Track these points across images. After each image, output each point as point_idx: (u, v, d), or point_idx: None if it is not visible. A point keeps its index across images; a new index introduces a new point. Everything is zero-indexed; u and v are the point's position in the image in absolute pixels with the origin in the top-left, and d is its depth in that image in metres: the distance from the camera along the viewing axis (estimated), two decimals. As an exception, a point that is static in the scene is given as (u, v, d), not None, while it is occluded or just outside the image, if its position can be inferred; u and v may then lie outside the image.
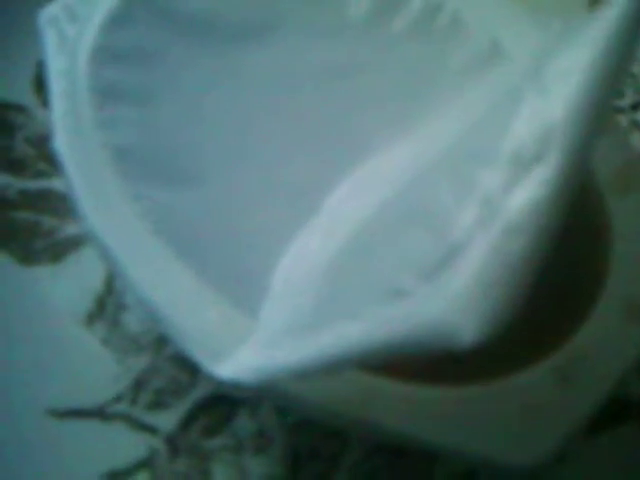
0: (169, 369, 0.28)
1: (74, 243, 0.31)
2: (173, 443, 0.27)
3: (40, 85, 0.32)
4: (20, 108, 0.33)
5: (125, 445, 0.27)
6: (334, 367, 0.18)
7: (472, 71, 0.26)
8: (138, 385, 0.28)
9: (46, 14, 0.27)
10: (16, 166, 0.32)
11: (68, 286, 0.30)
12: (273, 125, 0.26)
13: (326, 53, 0.27)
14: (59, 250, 0.30)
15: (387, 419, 0.22)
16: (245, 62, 0.26)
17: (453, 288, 0.16)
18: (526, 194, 0.16)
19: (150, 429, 0.28)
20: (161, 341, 0.28)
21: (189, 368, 0.27)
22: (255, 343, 0.21)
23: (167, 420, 0.28)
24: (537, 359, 0.23)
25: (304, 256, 0.23)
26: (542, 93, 0.17)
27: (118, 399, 0.28)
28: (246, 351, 0.21)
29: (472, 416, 0.22)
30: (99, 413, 0.28)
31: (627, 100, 0.34)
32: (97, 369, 0.28)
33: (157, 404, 0.28)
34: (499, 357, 0.21)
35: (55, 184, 0.31)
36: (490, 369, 0.22)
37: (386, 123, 0.26)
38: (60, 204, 0.31)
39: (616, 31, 0.16)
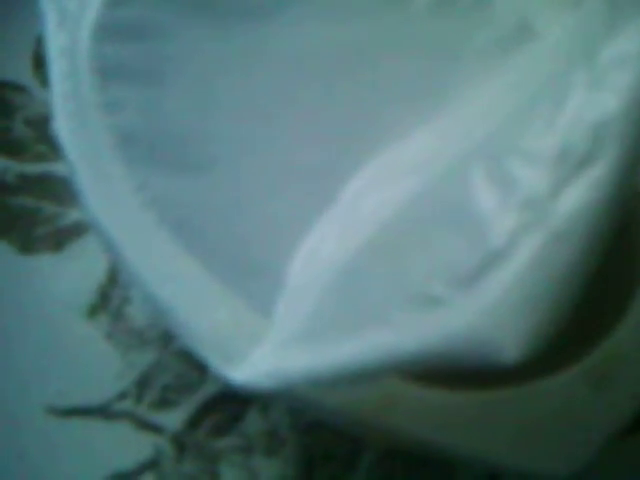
0: (176, 365, 0.28)
1: (76, 231, 0.30)
2: (180, 443, 0.27)
3: (40, 63, 0.32)
4: (19, 87, 0.32)
5: (129, 445, 0.27)
6: (362, 376, 0.17)
7: (499, 51, 0.24)
8: (143, 382, 0.27)
9: (46, -11, 0.26)
10: (15, 148, 0.31)
11: (70, 276, 0.29)
12: (287, 110, 0.25)
13: (343, 32, 0.25)
14: (60, 238, 0.30)
15: (408, 426, 0.21)
16: (257, 43, 0.25)
17: (493, 299, 0.15)
18: (576, 197, 0.15)
19: (156, 428, 0.27)
20: (167, 335, 0.27)
21: (197, 364, 0.26)
22: (270, 345, 0.20)
23: (173, 419, 0.27)
24: (568, 362, 0.22)
25: (321, 252, 0.22)
26: (594, 83, 0.16)
27: (122, 396, 0.27)
28: (261, 354, 0.20)
29: (499, 422, 0.21)
30: (102, 411, 0.27)
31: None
32: (100, 365, 0.28)
33: (163, 402, 0.27)
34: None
35: (56, 168, 0.30)
36: (518, 372, 0.21)
37: (407, 106, 0.24)
38: (61, 189, 0.30)
39: None
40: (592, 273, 0.15)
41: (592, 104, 0.16)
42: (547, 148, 0.16)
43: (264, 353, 0.20)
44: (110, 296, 0.29)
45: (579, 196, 0.15)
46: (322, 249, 0.22)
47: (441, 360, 0.15)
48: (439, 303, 0.16)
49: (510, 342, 0.14)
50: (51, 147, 0.30)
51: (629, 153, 0.15)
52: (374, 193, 0.22)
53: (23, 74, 0.32)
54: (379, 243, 0.20)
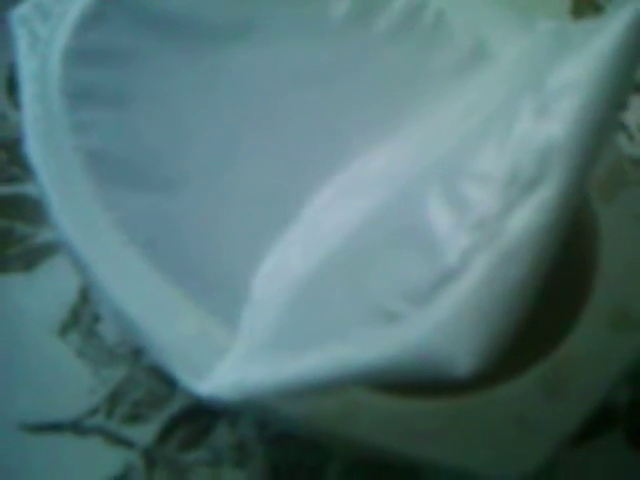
0: (146, 381, 0.28)
1: (48, 250, 0.30)
2: (150, 457, 0.27)
3: (12, 87, 0.32)
4: (-8, 111, 0.32)
5: (101, 460, 0.27)
6: (321, 388, 0.17)
7: (456, 73, 0.25)
8: (114, 397, 0.28)
9: (17, 14, 0.26)
10: (-13, 170, 0.31)
11: (41, 295, 0.29)
12: (255, 128, 0.25)
13: (307, 54, 0.26)
14: (32, 258, 0.30)
15: (371, 434, 0.21)
16: (225, 64, 0.26)
17: (446, 315, 0.15)
18: (524, 218, 0.15)
19: (126, 443, 0.27)
20: (138, 352, 0.28)
21: (166, 380, 0.27)
22: (235, 358, 0.20)
23: (144, 433, 0.27)
24: (524, 369, 0.22)
25: (285, 267, 0.22)
26: (541, 109, 0.17)
27: (93, 412, 0.27)
28: (226, 367, 0.20)
29: (459, 429, 0.22)
30: (73, 427, 0.27)
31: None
32: (71, 381, 0.28)
33: (134, 417, 0.27)
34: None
35: (29, 189, 0.31)
36: (476, 380, 0.22)
37: (368, 126, 0.25)
38: (33, 210, 0.30)
39: (621, 46, 0.15)
40: (540, 288, 0.15)
41: (539, 129, 0.16)
42: (498, 171, 0.17)
43: (229, 366, 0.20)
44: (81, 314, 0.29)
45: (527, 217, 0.15)
46: (285, 264, 0.22)
47: (398, 374, 0.16)
48: (396, 318, 0.17)
49: (462, 356, 0.15)
50: (23, 169, 0.31)
51: (574, 177, 0.15)
52: (335, 210, 0.23)
53: (-3, 98, 0.32)
54: (339, 260, 0.20)
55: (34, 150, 0.24)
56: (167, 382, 0.27)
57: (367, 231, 0.21)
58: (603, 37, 0.16)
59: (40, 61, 0.25)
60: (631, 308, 0.23)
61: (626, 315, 0.23)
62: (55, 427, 0.27)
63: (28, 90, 0.25)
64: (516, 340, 0.21)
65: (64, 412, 0.27)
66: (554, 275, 0.22)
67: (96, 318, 0.29)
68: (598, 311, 0.23)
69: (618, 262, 0.24)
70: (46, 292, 0.29)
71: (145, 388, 0.28)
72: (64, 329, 0.29)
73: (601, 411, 0.23)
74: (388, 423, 0.22)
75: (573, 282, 0.24)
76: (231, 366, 0.20)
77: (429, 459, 0.22)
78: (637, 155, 0.32)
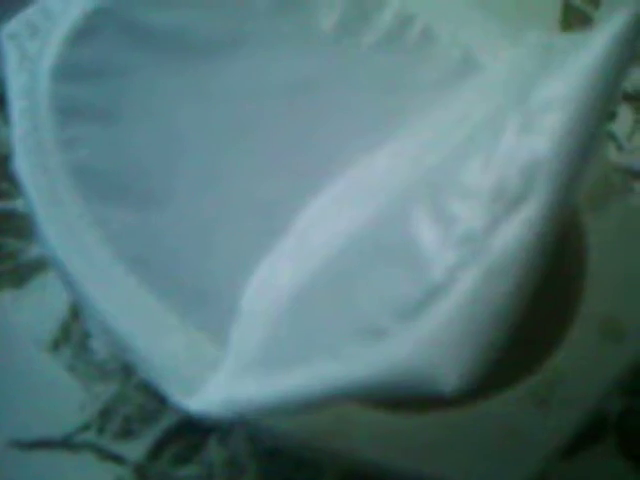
0: (137, 396, 0.28)
1: (38, 266, 0.30)
2: (142, 473, 0.27)
3: (2, 103, 0.32)
4: (-19, 126, 0.32)
5: (92, 476, 0.27)
6: (310, 405, 0.17)
7: (444, 84, 0.25)
8: (105, 413, 0.28)
9: (7, 30, 0.26)
10: (-23, 186, 0.31)
11: (32, 311, 0.29)
12: (244, 142, 0.25)
13: (296, 67, 0.26)
14: (22, 274, 0.30)
15: (361, 448, 0.21)
16: (214, 78, 0.26)
17: (433, 331, 0.15)
18: (510, 234, 0.15)
19: (118, 459, 0.27)
20: (128, 368, 0.28)
21: (158, 395, 0.26)
22: (224, 374, 0.20)
23: (135, 449, 0.27)
24: (515, 382, 0.22)
25: (273, 282, 0.22)
26: (526, 125, 0.17)
27: (85, 428, 0.27)
28: (215, 383, 0.20)
29: (450, 442, 0.22)
30: (65, 443, 0.27)
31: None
32: (63, 397, 0.28)
33: (125, 433, 0.27)
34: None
35: (18, 205, 0.31)
36: (466, 394, 0.22)
37: (356, 137, 0.25)
38: (23, 226, 0.30)
39: (607, 60, 0.15)
40: (528, 301, 0.15)
41: (524, 145, 0.16)
42: (483, 186, 0.17)
43: (218, 382, 0.20)
44: (72, 330, 0.29)
45: (512, 233, 0.15)
46: (274, 279, 0.22)
47: (386, 390, 0.16)
48: (383, 335, 0.16)
49: (448, 372, 0.15)
50: (12, 184, 0.30)
51: (559, 192, 0.15)
52: (324, 224, 0.23)
53: (-15, 114, 0.32)
54: (328, 276, 0.20)
55: (22, 166, 0.24)
56: (158, 398, 0.27)
57: (355, 247, 0.21)
58: (588, 51, 0.16)
59: (29, 77, 0.25)
60: (621, 318, 0.23)
61: (616, 325, 0.23)
62: (46, 443, 0.27)
63: (17, 106, 0.25)
64: (506, 353, 0.21)
65: (55, 428, 0.27)
66: (543, 287, 0.22)
67: (87, 334, 0.29)
68: (588, 322, 0.23)
69: (607, 272, 0.24)
70: (37, 308, 0.29)
71: (136, 404, 0.28)
72: (55, 345, 0.29)
73: (592, 421, 0.23)
74: (379, 438, 0.21)
75: (563, 293, 0.24)
76: (220, 382, 0.20)
77: (420, 473, 0.22)
78: (626, 165, 0.32)
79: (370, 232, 0.20)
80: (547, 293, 0.23)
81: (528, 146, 0.16)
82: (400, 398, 0.17)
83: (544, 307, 0.23)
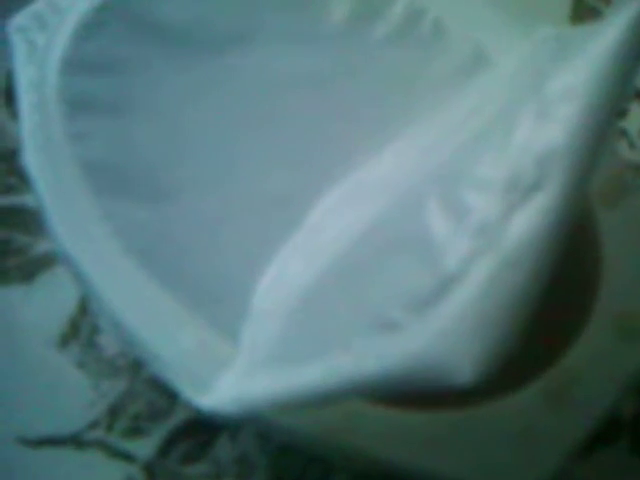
0: (146, 393, 0.28)
1: (47, 261, 0.30)
2: (151, 471, 0.27)
3: (10, 97, 0.32)
4: (-11, 121, 0.32)
5: (101, 474, 0.26)
6: (323, 400, 0.17)
7: (456, 78, 0.25)
8: (114, 410, 0.27)
9: (15, 23, 0.26)
10: (-15, 181, 0.31)
11: (41, 307, 0.29)
12: (254, 136, 0.25)
13: (307, 61, 0.26)
14: (31, 269, 0.30)
15: (374, 446, 0.21)
16: (224, 72, 0.26)
17: (447, 323, 0.15)
18: (524, 224, 0.15)
19: (127, 456, 0.27)
20: (138, 364, 0.27)
21: (167, 392, 0.26)
22: (236, 371, 0.20)
23: (145, 447, 0.27)
24: (529, 380, 0.22)
25: (286, 277, 0.22)
26: (541, 114, 0.16)
27: (93, 425, 0.27)
28: (227, 380, 0.20)
29: (463, 441, 0.21)
30: (73, 441, 0.27)
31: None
32: (71, 394, 0.28)
33: (134, 430, 0.27)
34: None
35: (27, 200, 0.31)
36: (479, 392, 0.22)
37: (368, 131, 0.25)
38: (32, 221, 0.30)
39: (620, 49, 0.15)
40: (543, 294, 0.15)
41: (539, 134, 0.16)
42: (498, 176, 0.16)
43: (230, 379, 0.20)
44: (81, 325, 0.29)
45: (528, 222, 0.15)
46: (286, 275, 0.22)
47: (400, 384, 0.16)
48: (397, 328, 0.16)
49: (464, 364, 0.14)
50: (21, 179, 0.30)
51: (574, 181, 0.15)
52: (336, 218, 0.23)
53: (-6, 108, 0.32)
54: (340, 270, 0.20)
55: (32, 160, 0.24)
56: (168, 395, 0.27)
57: (368, 240, 0.21)
58: (601, 41, 0.16)
59: (38, 70, 0.25)
60: (636, 316, 0.23)
61: (631, 323, 0.23)
62: (55, 441, 0.27)
63: (26, 100, 0.25)
64: (520, 350, 0.21)
65: (64, 425, 0.27)
66: (558, 284, 0.22)
67: (96, 330, 0.29)
68: (603, 320, 0.23)
69: (622, 269, 0.23)
70: (45, 303, 0.29)
71: (145, 401, 0.27)
72: (64, 340, 0.28)
73: (607, 422, 0.22)
74: (391, 435, 0.21)
75: (577, 291, 0.23)
76: (232, 379, 0.20)
77: (432, 471, 0.21)
78: (638, 162, 0.32)
79: (383, 225, 0.20)
80: (562, 290, 0.23)
81: (543, 135, 0.16)
82: (413, 394, 0.17)
83: (559, 303, 0.23)
